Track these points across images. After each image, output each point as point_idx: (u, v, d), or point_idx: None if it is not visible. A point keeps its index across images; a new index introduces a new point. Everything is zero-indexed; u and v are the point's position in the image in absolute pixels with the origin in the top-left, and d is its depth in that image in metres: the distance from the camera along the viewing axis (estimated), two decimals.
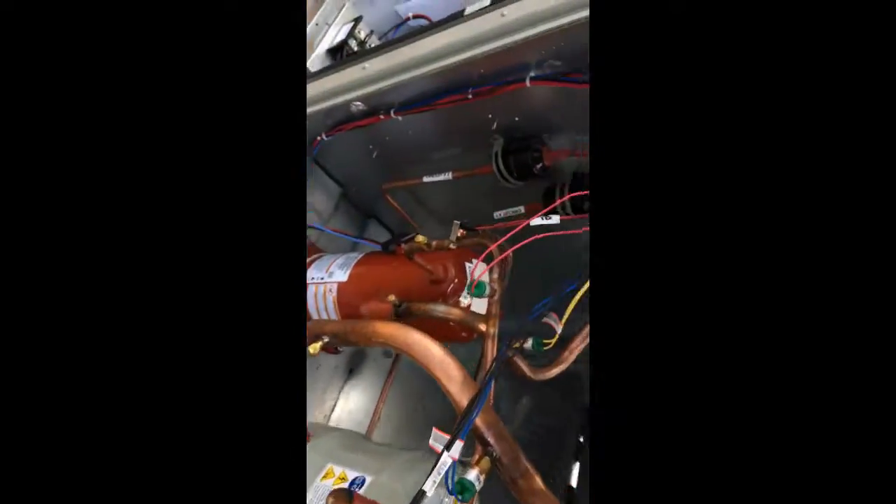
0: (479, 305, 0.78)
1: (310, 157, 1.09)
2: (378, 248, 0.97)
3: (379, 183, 1.15)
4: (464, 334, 0.84)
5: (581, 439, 1.14)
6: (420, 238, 0.75)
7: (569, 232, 0.63)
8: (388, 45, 0.82)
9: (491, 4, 0.71)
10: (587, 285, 0.68)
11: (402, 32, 1.24)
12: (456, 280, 0.83)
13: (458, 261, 0.84)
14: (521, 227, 0.65)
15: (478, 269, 0.72)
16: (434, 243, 0.77)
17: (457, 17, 0.76)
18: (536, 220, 0.65)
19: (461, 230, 0.75)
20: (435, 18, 0.88)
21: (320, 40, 1.14)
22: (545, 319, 0.74)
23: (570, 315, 0.71)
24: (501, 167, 0.87)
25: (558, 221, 0.65)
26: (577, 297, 0.70)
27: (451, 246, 0.76)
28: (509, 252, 0.77)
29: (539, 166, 0.85)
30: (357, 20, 1.13)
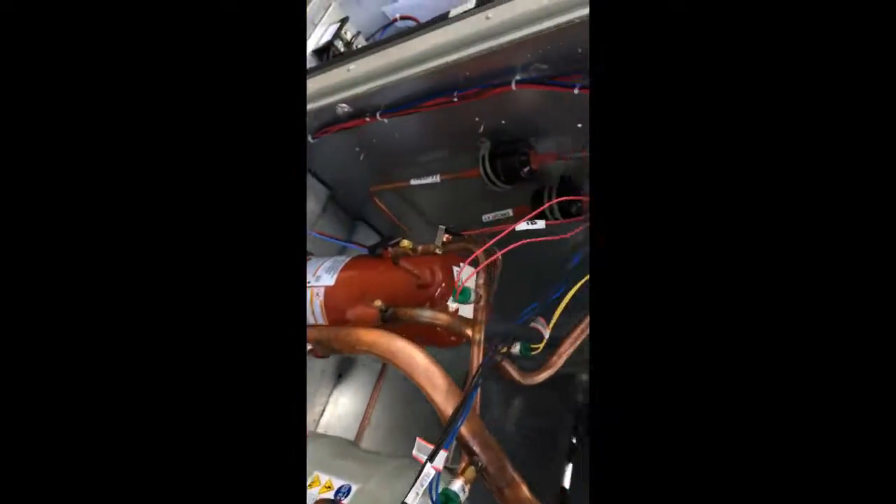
0: (468, 310, 0.77)
1: None
2: (366, 251, 0.96)
3: (367, 185, 1.14)
4: (452, 338, 0.83)
5: (574, 440, 1.14)
6: (405, 242, 0.74)
7: (554, 237, 0.63)
8: (371, 47, 0.81)
9: (476, 7, 0.70)
10: (574, 290, 0.68)
11: (390, 33, 1.23)
12: (443, 284, 0.82)
13: (446, 265, 0.84)
14: (506, 231, 0.64)
15: (463, 275, 0.71)
16: (420, 248, 0.77)
17: (442, 20, 0.75)
18: (522, 225, 0.64)
19: (447, 235, 0.74)
20: (423, 20, 0.87)
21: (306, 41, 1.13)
22: (533, 324, 0.74)
23: (557, 320, 0.70)
24: (489, 170, 0.87)
25: (544, 226, 0.64)
26: (564, 301, 0.69)
27: (437, 251, 0.75)
28: (497, 256, 0.77)
29: (526, 170, 0.85)
30: (343, 21, 1.12)
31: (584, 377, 1.26)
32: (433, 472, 0.49)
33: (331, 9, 1.18)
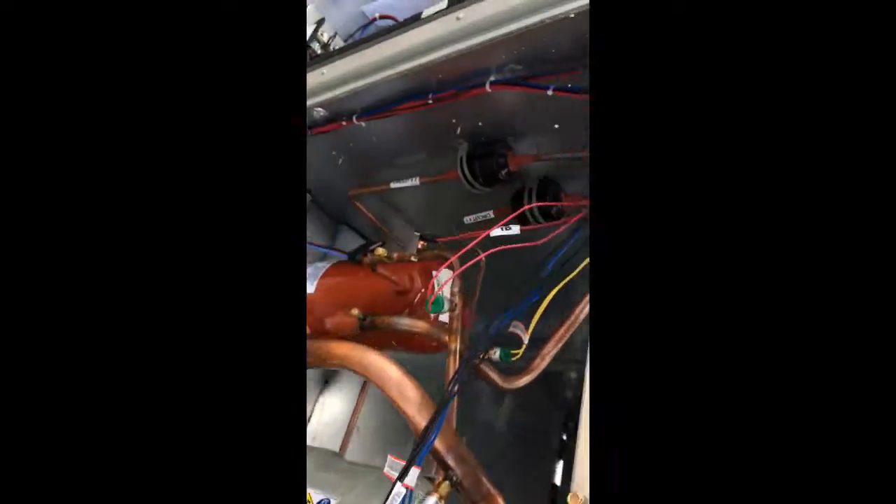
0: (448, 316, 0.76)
1: None
2: (345, 257, 0.94)
3: (347, 189, 1.13)
4: (433, 344, 0.82)
5: (564, 437, 1.13)
6: (380, 250, 0.72)
7: (526, 244, 0.61)
8: (343, 50, 0.79)
9: (447, 7, 0.69)
10: (551, 295, 0.67)
11: (370, 33, 1.21)
12: (423, 290, 0.80)
13: (425, 270, 0.82)
14: (479, 238, 0.63)
15: (439, 280, 0.70)
16: (395, 255, 0.75)
17: (414, 21, 0.73)
18: (496, 231, 0.63)
19: (421, 241, 0.73)
20: (402, 18, 0.86)
21: None
22: (512, 329, 0.72)
23: (535, 325, 0.69)
24: (467, 173, 0.85)
25: (518, 232, 0.63)
26: (542, 306, 0.68)
27: (413, 258, 0.74)
28: (480, 258, 0.75)
29: (504, 172, 0.83)
30: (319, 22, 1.10)
31: (573, 374, 1.26)
32: (404, 492, 0.48)
33: (307, 10, 1.16)
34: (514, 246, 0.63)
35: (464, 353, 0.67)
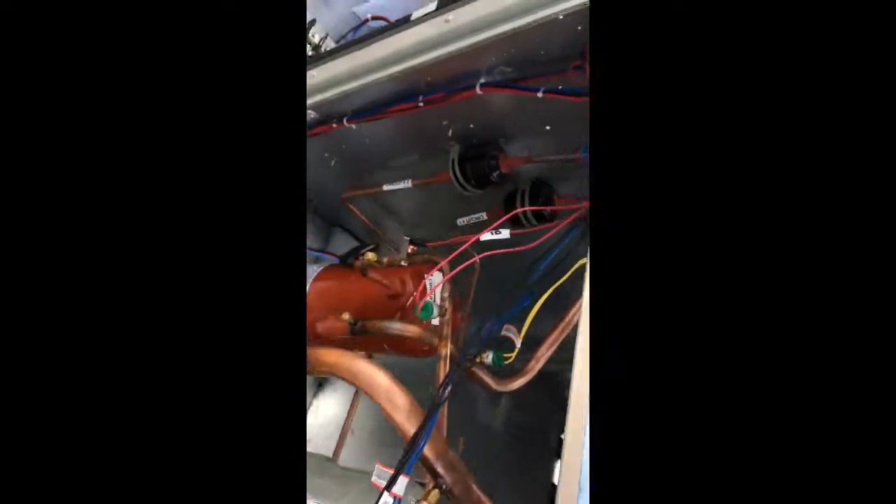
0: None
1: None
2: (337, 261, 0.94)
3: (340, 191, 1.12)
4: (426, 348, 0.81)
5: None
6: (370, 255, 0.72)
7: (516, 249, 0.61)
8: (332, 52, 0.79)
9: (437, 10, 0.68)
10: (542, 299, 0.66)
11: (363, 33, 1.20)
12: (415, 294, 0.80)
13: (417, 274, 0.82)
14: (469, 242, 0.62)
15: (430, 284, 0.69)
16: (385, 260, 0.74)
17: (403, 23, 0.73)
18: (486, 235, 0.62)
19: (411, 246, 0.72)
20: (393, 18, 0.85)
21: None
22: (504, 333, 0.72)
23: (528, 328, 0.69)
24: (458, 175, 0.85)
25: (508, 236, 0.62)
26: (534, 310, 0.68)
27: (403, 262, 0.73)
28: (473, 261, 0.74)
29: (496, 174, 0.83)
30: (311, 24, 1.09)
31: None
32: (391, 501, 0.47)
33: None
34: (505, 251, 0.62)
35: (454, 358, 0.66)
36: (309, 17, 1.12)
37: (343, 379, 0.59)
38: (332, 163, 1.03)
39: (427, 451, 0.54)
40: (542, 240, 0.71)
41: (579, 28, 0.59)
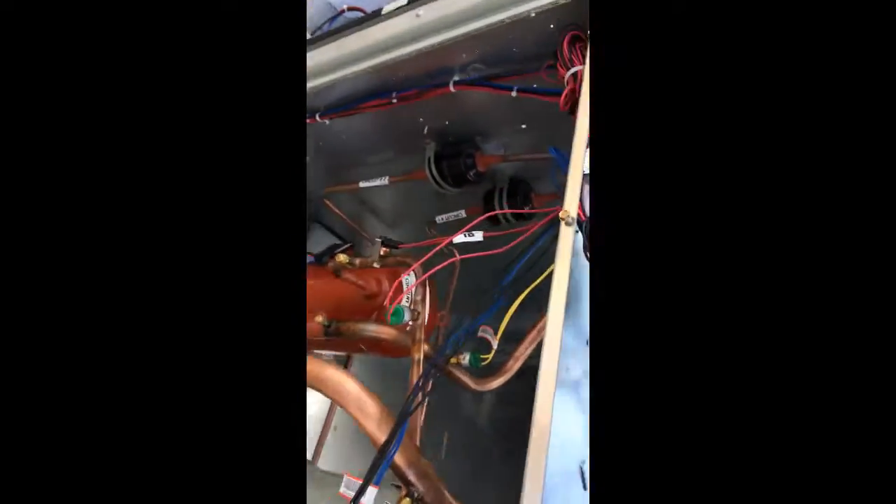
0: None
1: None
2: (313, 260, 0.92)
3: (318, 187, 1.10)
4: (403, 349, 0.81)
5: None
6: (341, 257, 0.70)
7: (489, 252, 0.60)
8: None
9: (407, 4, 0.66)
10: (519, 299, 0.66)
11: (339, 24, 1.17)
12: (391, 294, 0.79)
13: (394, 274, 0.80)
14: (441, 245, 0.61)
15: (404, 293, 0.68)
16: (358, 261, 0.73)
17: (374, 17, 0.71)
18: (459, 238, 0.61)
19: (384, 248, 0.71)
20: (370, 9, 0.83)
21: None
22: (480, 334, 0.71)
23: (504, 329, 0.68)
24: (435, 173, 0.83)
25: (482, 238, 0.61)
26: (510, 312, 0.67)
27: (375, 264, 0.72)
28: (451, 262, 0.73)
29: (473, 172, 0.81)
30: None
31: None
32: None
33: None
34: (478, 254, 0.61)
35: (429, 360, 0.65)
36: None
37: (311, 387, 0.58)
38: (308, 158, 1.01)
39: (398, 459, 0.53)
40: (515, 242, 0.71)
41: (552, 26, 0.57)
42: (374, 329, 0.73)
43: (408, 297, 0.71)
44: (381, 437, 0.53)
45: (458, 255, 0.73)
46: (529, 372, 0.80)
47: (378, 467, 0.48)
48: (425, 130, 0.84)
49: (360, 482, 0.49)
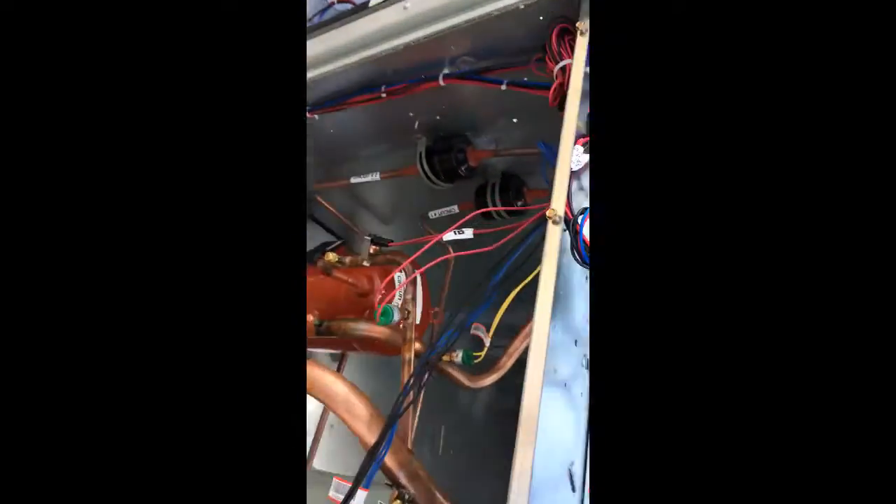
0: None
1: None
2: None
3: (309, 183, 1.09)
4: (395, 347, 0.80)
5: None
6: (330, 256, 0.69)
7: (480, 250, 0.59)
8: None
9: None
10: (511, 297, 0.65)
11: (330, 16, 1.15)
12: (384, 291, 0.78)
13: (386, 271, 0.79)
14: (431, 243, 0.60)
15: (400, 292, 0.67)
16: (348, 260, 0.72)
17: (361, 9, 0.69)
18: (449, 235, 0.60)
19: (373, 246, 0.70)
20: (359, 1, 0.81)
21: None
22: (473, 332, 0.71)
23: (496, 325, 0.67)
24: (426, 168, 0.82)
25: (471, 236, 0.60)
26: (502, 309, 0.66)
27: (365, 263, 0.71)
28: (450, 256, 0.72)
29: (464, 167, 0.80)
30: None
31: None
32: None
33: None
34: (470, 252, 0.61)
35: (419, 359, 0.65)
36: None
37: None
38: None
39: (389, 461, 0.53)
40: (506, 239, 0.70)
41: (541, 18, 0.56)
42: (365, 328, 0.72)
43: (399, 296, 0.71)
44: (371, 439, 0.53)
45: (451, 252, 0.72)
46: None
47: (366, 471, 0.48)
48: (416, 125, 0.82)
49: (349, 485, 0.49)
